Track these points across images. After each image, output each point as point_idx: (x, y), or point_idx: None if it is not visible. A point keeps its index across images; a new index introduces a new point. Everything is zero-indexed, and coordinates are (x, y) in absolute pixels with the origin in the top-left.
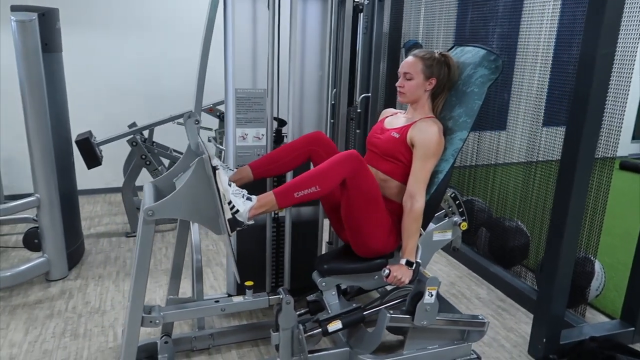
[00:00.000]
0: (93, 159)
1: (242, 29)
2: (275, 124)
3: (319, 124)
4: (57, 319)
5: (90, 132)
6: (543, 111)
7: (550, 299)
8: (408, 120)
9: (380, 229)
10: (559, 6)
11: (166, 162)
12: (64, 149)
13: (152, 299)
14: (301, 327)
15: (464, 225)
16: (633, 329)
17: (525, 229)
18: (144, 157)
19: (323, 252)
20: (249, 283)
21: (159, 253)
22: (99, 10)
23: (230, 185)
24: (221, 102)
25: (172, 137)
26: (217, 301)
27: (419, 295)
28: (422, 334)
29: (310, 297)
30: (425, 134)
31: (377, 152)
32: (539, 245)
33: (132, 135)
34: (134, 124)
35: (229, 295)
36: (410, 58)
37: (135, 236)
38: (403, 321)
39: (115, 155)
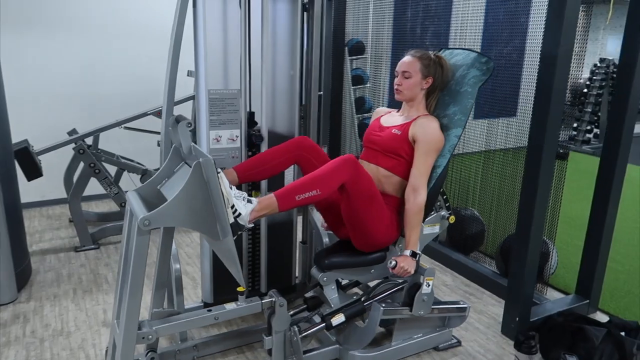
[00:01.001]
0: (34, 170)
1: (214, 28)
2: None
3: (290, 124)
4: (16, 346)
5: (26, 140)
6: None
7: (522, 280)
8: (407, 118)
9: (381, 224)
10: (484, 4)
11: (112, 169)
12: (6, 159)
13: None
14: (296, 328)
15: (452, 219)
16: (588, 301)
17: (480, 217)
18: (92, 165)
19: (298, 253)
20: (240, 289)
21: (115, 266)
22: (29, 10)
23: (231, 188)
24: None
25: (113, 144)
26: (209, 310)
27: (417, 286)
28: (408, 324)
29: (308, 294)
30: (427, 130)
31: (377, 149)
32: (495, 232)
33: (79, 142)
34: (74, 131)
35: (205, 304)
36: (408, 57)
37: (86, 250)
38: (399, 313)
39: (52, 164)
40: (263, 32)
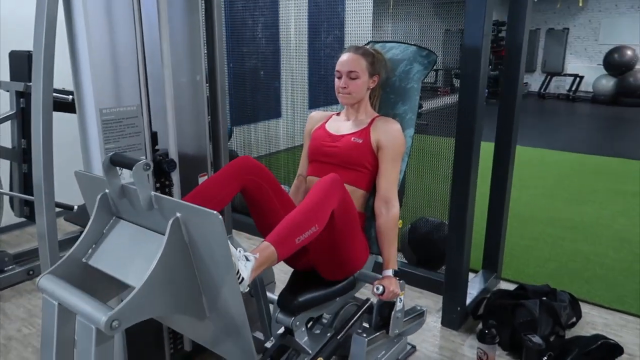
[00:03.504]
0: None
1: (98, 30)
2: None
3: (200, 141)
4: None
5: None
6: (307, 96)
7: (461, 269)
8: (361, 123)
9: (359, 246)
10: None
11: None
12: None
13: None
14: None
15: (400, 223)
16: (495, 274)
17: None
18: None
19: None
20: None
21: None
22: None
23: (236, 248)
24: None
25: None
26: None
27: (389, 304)
28: (374, 345)
29: (268, 344)
30: (392, 134)
31: (334, 163)
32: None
33: None
34: None
35: None
36: (351, 55)
37: None
38: (380, 339)
39: None
40: (161, 29)
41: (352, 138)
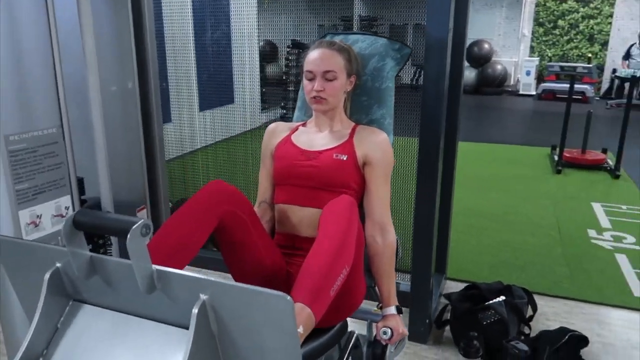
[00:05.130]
0: None
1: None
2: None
3: (130, 157)
4: None
5: None
6: (197, 97)
7: (428, 282)
8: (340, 135)
9: (361, 281)
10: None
11: None
12: None
13: None
14: None
15: None
16: (444, 274)
17: None
18: None
19: None
20: None
21: None
22: None
23: None
24: None
25: None
26: None
27: (380, 344)
28: None
29: None
30: (382, 147)
31: (312, 186)
32: None
33: None
34: None
35: None
36: (325, 52)
37: None
38: None
39: None
40: (83, 30)
41: (334, 154)
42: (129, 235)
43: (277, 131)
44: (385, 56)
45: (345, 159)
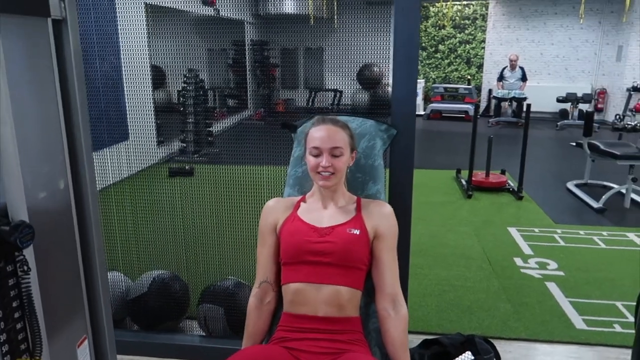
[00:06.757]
0: None
1: None
2: None
3: (54, 194)
4: None
5: None
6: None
7: None
8: (347, 210)
9: None
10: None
11: None
12: None
13: None
14: None
15: None
16: None
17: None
18: None
19: None
20: None
21: None
22: None
23: None
24: None
25: None
26: None
27: None
28: None
29: None
30: (389, 220)
31: (327, 262)
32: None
33: None
34: None
35: None
36: (331, 128)
37: None
38: None
39: None
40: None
41: (348, 229)
42: None
43: (276, 208)
44: (375, 136)
45: (358, 233)
